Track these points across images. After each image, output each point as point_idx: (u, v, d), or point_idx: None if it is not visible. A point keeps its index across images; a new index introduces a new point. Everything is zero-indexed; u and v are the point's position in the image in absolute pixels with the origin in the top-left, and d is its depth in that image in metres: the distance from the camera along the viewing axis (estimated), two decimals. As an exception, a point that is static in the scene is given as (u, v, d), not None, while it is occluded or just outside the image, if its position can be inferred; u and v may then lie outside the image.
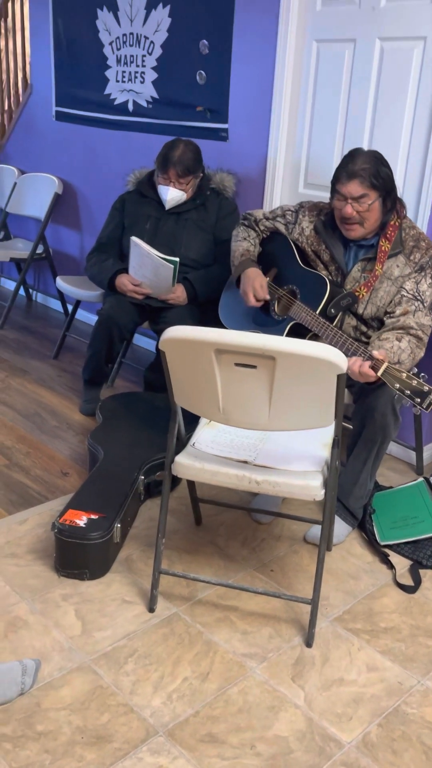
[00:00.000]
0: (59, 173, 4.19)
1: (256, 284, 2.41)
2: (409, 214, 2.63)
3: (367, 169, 2.14)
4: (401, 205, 2.27)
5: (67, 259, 4.36)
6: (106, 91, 3.75)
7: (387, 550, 2.30)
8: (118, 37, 3.59)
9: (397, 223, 2.25)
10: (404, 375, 1.91)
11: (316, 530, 2.33)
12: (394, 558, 2.27)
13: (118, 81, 3.67)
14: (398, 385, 1.91)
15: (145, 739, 1.61)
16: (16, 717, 1.64)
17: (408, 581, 2.18)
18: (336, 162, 2.85)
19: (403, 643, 1.93)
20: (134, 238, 2.84)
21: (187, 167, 2.87)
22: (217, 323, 2.64)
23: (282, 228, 2.49)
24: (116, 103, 3.71)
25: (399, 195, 2.31)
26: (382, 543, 2.32)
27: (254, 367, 1.68)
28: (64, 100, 4.03)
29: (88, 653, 1.84)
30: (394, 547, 2.31)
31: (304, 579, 2.17)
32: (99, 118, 3.83)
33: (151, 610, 2.00)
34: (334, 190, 2.21)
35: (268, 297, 2.42)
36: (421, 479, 2.48)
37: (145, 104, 3.56)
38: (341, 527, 2.34)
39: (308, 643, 1.91)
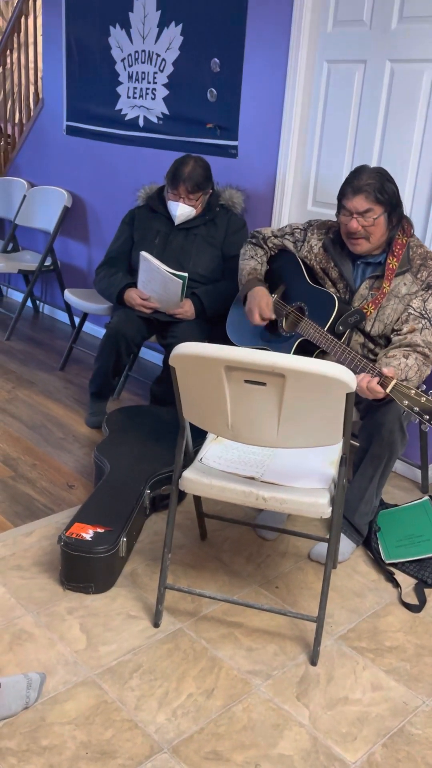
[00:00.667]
0: (69, 187, 4.22)
1: (262, 303, 2.43)
2: (417, 233, 2.64)
3: (372, 184, 2.16)
4: (409, 224, 2.30)
5: (75, 272, 4.39)
6: (117, 107, 3.79)
7: (392, 569, 2.30)
8: (130, 54, 3.63)
9: (404, 241, 2.27)
10: (413, 392, 1.92)
11: (320, 548, 2.33)
12: (399, 576, 2.27)
13: (129, 97, 3.71)
14: (407, 402, 1.92)
15: (150, 755, 1.61)
16: (20, 731, 1.64)
17: (413, 600, 2.18)
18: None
19: (408, 663, 1.93)
20: (143, 253, 2.86)
21: (197, 183, 2.90)
22: (225, 338, 2.66)
23: (290, 246, 2.51)
24: (127, 118, 3.75)
25: (407, 214, 2.33)
26: (388, 561, 2.32)
27: (264, 384, 1.69)
28: (75, 115, 4.07)
29: (92, 668, 1.84)
30: (400, 566, 2.31)
31: (309, 596, 2.17)
32: (109, 133, 3.87)
33: (156, 625, 2.00)
34: (340, 206, 2.24)
35: (273, 317, 2.44)
36: (426, 497, 2.49)
37: (155, 120, 3.59)
38: (346, 544, 2.34)
39: (313, 661, 1.90)
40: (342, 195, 2.23)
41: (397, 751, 1.66)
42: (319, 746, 1.66)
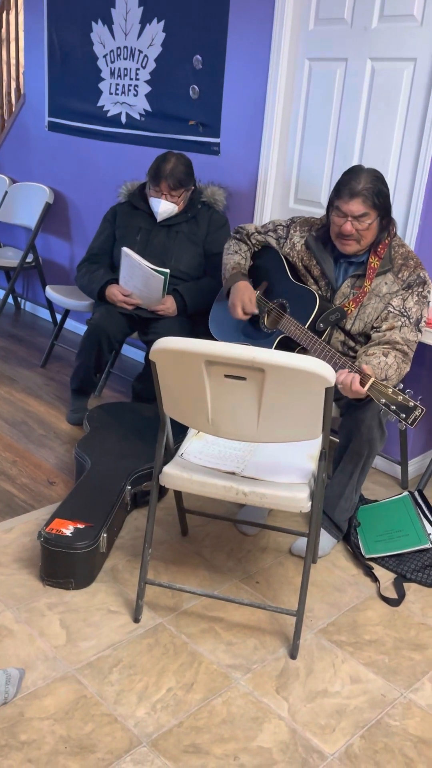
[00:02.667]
0: (51, 183, 4.20)
1: (245, 298, 2.44)
2: (397, 232, 2.66)
3: (370, 188, 2.16)
4: (392, 224, 2.31)
5: (56, 269, 4.37)
6: (99, 103, 3.78)
7: (371, 563, 2.32)
8: (112, 50, 3.62)
9: (387, 241, 2.28)
10: (390, 390, 1.93)
11: (301, 542, 2.35)
12: (379, 571, 2.29)
13: (111, 93, 3.70)
14: (384, 401, 1.94)
15: (129, 749, 1.61)
16: (-1, 726, 1.64)
17: (392, 594, 2.20)
18: (326, 178, 2.90)
19: (387, 656, 1.94)
20: (125, 249, 2.86)
21: (179, 180, 2.90)
22: (207, 335, 2.66)
23: (273, 242, 2.51)
24: (109, 115, 3.74)
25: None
26: (367, 556, 2.33)
27: (244, 379, 1.70)
28: (57, 111, 4.05)
29: (72, 663, 1.84)
30: (379, 560, 2.33)
31: (289, 591, 2.18)
32: (91, 129, 3.86)
33: (137, 620, 2.00)
34: (334, 206, 2.23)
35: (256, 311, 2.45)
36: (405, 493, 2.51)
37: (137, 117, 3.59)
38: (326, 540, 2.35)
39: (292, 655, 1.91)
40: (337, 196, 2.20)
41: (375, 742, 1.68)
42: (298, 738, 1.67)
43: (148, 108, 3.52)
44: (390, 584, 2.24)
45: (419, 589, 2.23)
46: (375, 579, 2.25)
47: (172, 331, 2.85)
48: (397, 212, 2.70)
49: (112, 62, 3.64)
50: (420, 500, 2.46)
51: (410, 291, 2.25)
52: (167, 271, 2.82)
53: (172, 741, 1.64)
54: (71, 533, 2.10)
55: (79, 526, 2.14)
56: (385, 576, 2.27)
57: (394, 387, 1.96)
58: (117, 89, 3.65)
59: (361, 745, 1.67)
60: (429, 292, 2.29)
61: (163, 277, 2.80)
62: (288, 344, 2.38)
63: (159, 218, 2.98)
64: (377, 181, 2.18)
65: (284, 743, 1.65)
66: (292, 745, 1.65)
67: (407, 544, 2.32)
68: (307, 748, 1.65)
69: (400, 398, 1.91)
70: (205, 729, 1.68)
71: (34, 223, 4.15)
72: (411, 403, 1.89)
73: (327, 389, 1.67)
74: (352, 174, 2.19)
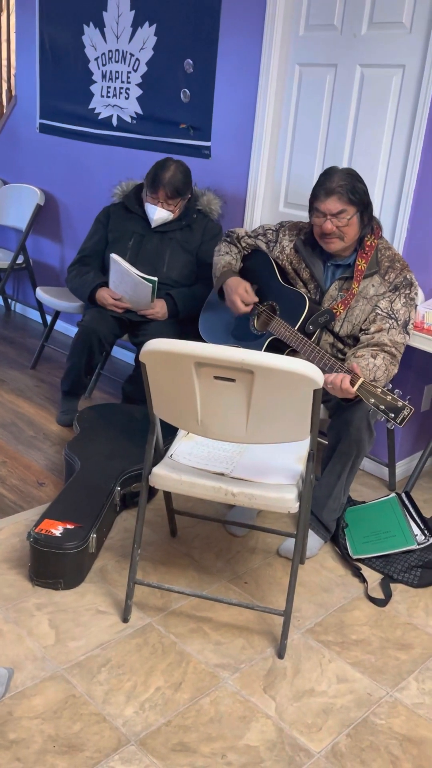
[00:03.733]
0: (41, 185, 4.21)
1: (240, 290, 2.46)
2: (385, 236, 2.69)
3: (344, 185, 2.20)
4: (378, 226, 2.34)
5: (47, 270, 4.37)
6: (91, 106, 3.79)
7: (359, 564, 2.34)
8: (104, 53, 3.63)
9: (373, 243, 2.31)
10: (379, 390, 1.96)
11: (289, 544, 2.36)
12: (366, 572, 2.31)
13: (102, 96, 3.71)
14: (373, 400, 1.96)
15: (117, 748, 1.62)
16: (-13, 725, 1.64)
17: (379, 595, 2.22)
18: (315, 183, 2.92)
19: (373, 656, 1.96)
20: (114, 256, 2.86)
21: (177, 189, 2.90)
22: (197, 337, 2.68)
23: (263, 246, 2.54)
24: (100, 117, 3.75)
25: (376, 216, 2.38)
26: (355, 557, 2.36)
27: (233, 380, 1.71)
28: (48, 113, 4.06)
29: (61, 662, 1.84)
30: (366, 561, 2.35)
31: (277, 591, 2.20)
32: (83, 131, 3.87)
33: (125, 620, 2.01)
34: (312, 208, 2.27)
35: (256, 299, 2.46)
36: (393, 495, 2.53)
37: (129, 119, 3.60)
38: (314, 540, 2.37)
39: (280, 655, 1.93)
40: (314, 197, 2.26)
41: (361, 740, 1.69)
42: (285, 737, 1.68)
43: (140, 111, 3.53)
44: (377, 585, 2.26)
45: (406, 589, 2.25)
46: (362, 579, 2.27)
47: (163, 334, 2.87)
48: (385, 217, 2.73)
49: (103, 65, 3.65)
50: (407, 502, 2.49)
51: (397, 293, 2.28)
52: (155, 279, 2.82)
53: (160, 740, 1.65)
54: (60, 534, 2.10)
55: (69, 526, 2.15)
56: (372, 576, 2.29)
57: (383, 387, 1.98)
58: (108, 92, 3.67)
59: (347, 743, 1.68)
60: (416, 294, 2.32)
61: (151, 285, 2.81)
62: (278, 346, 2.40)
63: (153, 224, 2.99)
64: (351, 177, 2.22)
65: (271, 742, 1.67)
66: (279, 744, 1.66)
67: (394, 545, 2.34)
68: (293, 746, 1.66)
69: (389, 398, 1.94)
70: (193, 728, 1.69)
71: (25, 224, 4.15)
72: (400, 403, 1.92)
73: (315, 391, 1.69)
74: (327, 175, 2.26)
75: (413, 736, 1.71)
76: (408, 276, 2.29)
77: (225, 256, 2.58)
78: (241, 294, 2.45)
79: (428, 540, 2.32)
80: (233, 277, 2.50)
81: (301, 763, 1.62)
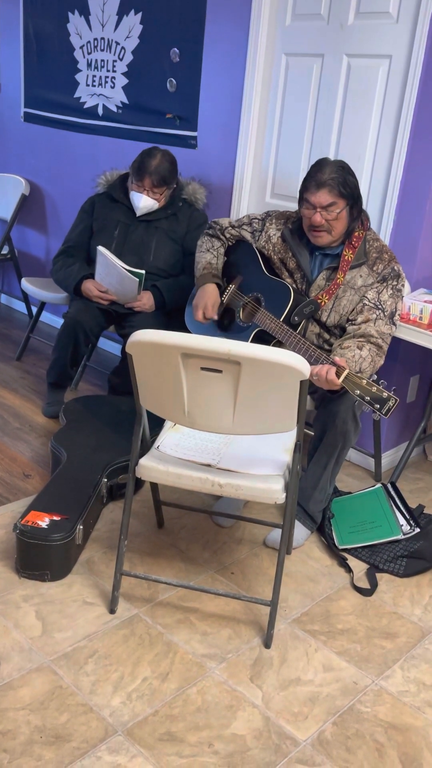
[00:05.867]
0: (26, 175, 4.17)
1: (209, 302, 2.47)
2: (373, 226, 2.70)
3: (335, 178, 2.19)
4: (366, 217, 2.34)
5: (32, 261, 4.34)
6: (76, 95, 3.76)
7: (345, 554, 2.35)
8: (89, 41, 3.60)
9: (361, 234, 2.31)
10: (364, 382, 1.96)
11: (276, 534, 2.37)
12: (352, 562, 2.33)
13: (88, 85, 3.68)
14: (359, 392, 1.97)
15: (104, 738, 1.62)
16: (-26, 717, 1.64)
17: (365, 584, 2.23)
18: (303, 174, 2.92)
19: (359, 644, 1.98)
20: (101, 248, 2.84)
21: (163, 178, 2.89)
22: (183, 329, 2.67)
23: (248, 236, 2.53)
24: (86, 106, 3.72)
25: (363, 207, 2.38)
26: (341, 547, 2.37)
27: (220, 371, 1.71)
28: (32, 102, 4.02)
29: (48, 654, 1.84)
30: (352, 551, 2.36)
31: (264, 581, 2.20)
32: (68, 121, 3.84)
33: (112, 611, 2.01)
34: (302, 199, 2.26)
35: (215, 317, 2.49)
36: (378, 485, 2.55)
37: (114, 109, 3.57)
38: (301, 531, 2.38)
39: (267, 644, 1.94)
40: (305, 189, 2.25)
41: (347, 728, 1.71)
42: (271, 725, 1.69)
43: (125, 100, 3.51)
44: (363, 575, 2.28)
45: (391, 579, 2.27)
46: (348, 569, 2.28)
47: (149, 325, 2.86)
48: (372, 207, 2.73)
49: (89, 53, 3.62)
50: (393, 492, 2.50)
51: (385, 284, 2.28)
52: (142, 272, 2.81)
53: (148, 729, 1.65)
54: (47, 525, 2.10)
55: (55, 518, 2.14)
56: (358, 566, 2.31)
57: (368, 378, 1.99)
58: (94, 81, 3.64)
59: (333, 731, 1.70)
60: (403, 285, 2.32)
61: (137, 279, 2.80)
62: (264, 337, 2.40)
63: (139, 213, 2.97)
64: (342, 170, 2.22)
65: (258, 730, 1.68)
66: (266, 732, 1.67)
67: (380, 535, 2.36)
68: (280, 734, 1.67)
69: (374, 389, 1.94)
70: (180, 717, 1.69)
71: (10, 214, 4.12)
72: (385, 394, 1.93)
73: (302, 382, 1.69)
74: (318, 166, 2.24)
75: (398, 724, 1.73)
76: (396, 267, 2.30)
77: (206, 254, 2.57)
78: (207, 306, 2.48)
79: (414, 530, 2.34)
80: (211, 286, 2.52)
81: (287, 751, 1.63)
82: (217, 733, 1.66)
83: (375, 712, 1.76)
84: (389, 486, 2.54)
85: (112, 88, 3.55)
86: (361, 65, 2.67)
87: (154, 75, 3.34)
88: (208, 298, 2.48)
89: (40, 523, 2.10)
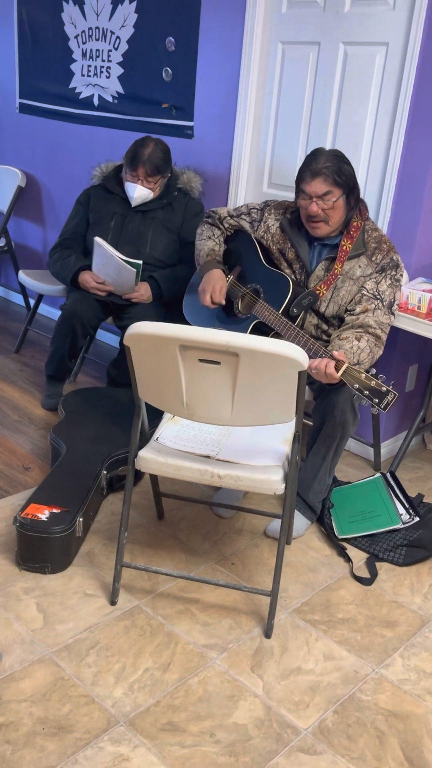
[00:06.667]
0: (22, 166, 4.15)
1: (216, 287, 2.44)
2: (370, 215, 2.69)
3: (330, 167, 2.19)
4: (364, 207, 2.33)
5: (29, 253, 4.33)
6: (71, 85, 3.73)
7: (345, 544, 2.36)
8: (83, 31, 3.57)
9: (360, 224, 2.30)
10: (363, 376, 1.96)
11: (276, 524, 2.38)
12: (352, 551, 2.33)
13: (83, 75, 3.65)
14: (357, 386, 1.96)
15: (106, 728, 1.63)
16: (-24, 709, 1.65)
17: (364, 574, 2.24)
18: (299, 162, 2.90)
19: (359, 633, 1.99)
20: (97, 239, 2.83)
21: (157, 167, 2.88)
22: (181, 320, 2.67)
23: (247, 226, 2.52)
24: (81, 97, 3.70)
25: (361, 196, 2.37)
26: (340, 537, 2.37)
27: (218, 363, 1.71)
28: (28, 93, 3.99)
29: (49, 646, 1.85)
30: (352, 541, 2.37)
31: (264, 572, 2.21)
32: (63, 111, 3.81)
33: (113, 602, 2.02)
34: (298, 190, 2.26)
35: (223, 302, 2.46)
36: (378, 475, 2.55)
37: (110, 99, 3.55)
38: (300, 521, 2.38)
39: (267, 634, 1.95)
40: (300, 179, 2.24)
41: (348, 716, 1.72)
42: (273, 715, 1.70)
43: (121, 90, 3.49)
44: (362, 564, 2.28)
45: (391, 568, 2.27)
46: (348, 559, 2.29)
47: (147, 316, 2.85)
48: (369, 196, 2.72)
49: (83, 43, 3.59)
50: (392, 482, 2.51)
51: (384, 274, 2.28)
52: (140, 262, 2.80)
53: (149, 720, 1.66)
54: (47, 518, 2.10)
55: (55, 510, 2.14)
56: (358, 556, 2.32)
57: (367, 372, 1.99)
58: (89, 71, 3.61)
59: (334, 719, 1.71)
60: (402, 275, 2.32)
61: (135, 269, 2.79)
62: (262, 329, 2.40)
63: (134, 203, 2.97)
64: (337, 159, 2.21)
65: (259, 719, 1.69)
66: (267, 721, 1.68)
67: (379, 524, 2.36)
68: (281, 723, 1.68)
69: (373, 383, 1.94)
70: (182, 707, 1.70)
71: (6, 206, 4.10)
72: (384, 388, 1.92)
73: (300, 373, 1.69)
74: (312, 156, 2.24)
75: (399, 712, 1.74)
76: (394, 257, 2.29)
77: (208, 242, 2.56)
78: (214, 291, 2.44)
79: (413, 519, 2.34)
80: (217, 270, 2.48)
81: (288, 740, 1.64)
82: (219, 723, 1.67)
83: (376, 701, 1.77)
84: (388, 475, 2.54)
85: (108, 78, 3.53)
86: (357, 53, 2.65)
87: (149, 64, 3.32)
88: (215, 283, 2.45)
89: (40, 515, 2.11)
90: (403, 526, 2.34)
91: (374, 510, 2.42)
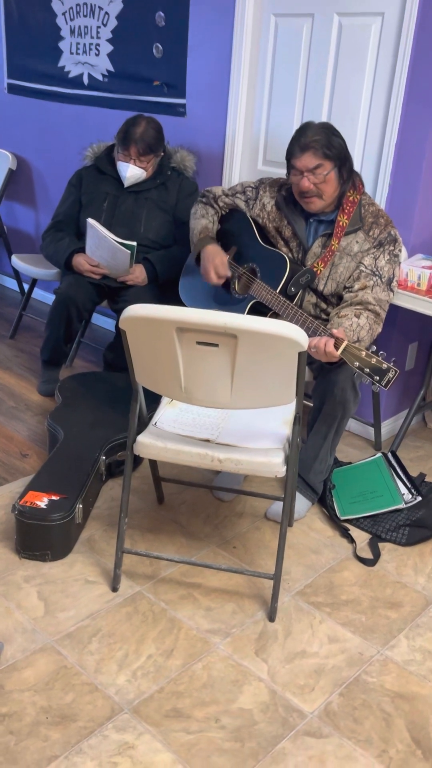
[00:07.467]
0: (13, 148, 4.08)
1: (216, 261, 2.40)
2: (367, 190, 2.64)
3: (318, 140, 2.14)
4: (360, 181, 2.29)
5: (22, 237, 4.27)
6: (60, 64, 3.65)
7: (347, 525, 2.34)
8: (71, 7, 3.49)
9: (356, 199, 2.26)
10: (363, 353, 1.93)
11: (277, 507, 2.36)
12: (354, 532, 2.31)
13: (72, 53, 3.57)
14: (358, 363, 1.93)
15: (110, 716, 1.62)
16: (-21, 700, 1.63)
17: (367, 554, 2.22)
18: (295, 139, 2.85)
19: (363, 615, 1.97)
20: (90, 220, 2.78)
21: (149, 145, 2.82)
22: (177, 303, 2.63)
23: (242, 204, 2.47)
24: (71, 76, 3.62)
25: (357, 170, 2.32)
26: (342, 518, 2.35)
27: (216, 345, 1.68)
28: (16, 72, 3.91)
29: (51, 634, 1.83)
30: (354, 522, 2.35)
31: (266, 555, 2.19)
32: (53, 91, 3.74)
33: (115, 589, 2.00)
34: (289, 166, 2.21)
35: (229, 273, 2.41)
36: (379, 455, 2.53)
37: (100, 77, 3.48)
38: (302, 503, 2.36)
39: (271, 618, 1.93)
40: (290, 155, 2.20)
41: (354, 699, 1.71)
42: (278, 699, 1.69)
43: (111, 68, 3.41)
44: (365, 545, 2.27)
45: (394, 548, 2.26)
46: (351, 540, 2.27)
47: (142, 299, 2.81)
48: (366, 170, 2.67)
49: (71, 20, 3.51)
50: (393, 461, 2.48)
51: (381, 249, 2.24)
52: (134, 244, 2.75)
53: (154, 706, 1.65)
54: (46, 505, 2.08)
55: (54, 497, 2.12)
56: (361, 537, 2.30)
57: (368, 350, 1.95)
58: (78, 49, 3.53)
59: (340, 702, 1.70)
60: (400, 250, 2.28)
61: (129, 251, 2.74)
62: (260, 309, 2.36)
63: (126, 183, 2.91)
64: (326, 131, 2.17)
65: (264, 704, 1.67)
66: (273, 706, 1.67)
67: (381, 504, 2.34)
68: (287, 707, 1.67)
69: (373, 360, 1.91)
70: (186, 693, 1.69)
71: (-3, 190, 4.03)
72: (384, 365, 1.89)
73: (300, 354, 1.66)
74: (301, 130, 2.20)
75: (405, 693, 1.73)
76: (392, 232, 2.25)
77: (201, 220, 2.51)
78: (217, 265, 2.39)
79: (415, 499, 2.32)
80: (212, 245, 2.43)
81: (294, 724, 1.63)
82: (224, 708, 1.66)
83: (381, 682, 1.76)
84: (390, 455, 2.52)
85: (97, 55, 3.45)
86: (352, 24, 2.59)
87: (139, 41, 3.24)
88: (214, 257, 2.40)
89: (38, 503, 2.08)
90: (405, 505, 2.32)
91: (376, 490, 2.40)
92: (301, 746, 1.58)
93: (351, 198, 2.25)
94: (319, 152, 2.15)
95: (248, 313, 2.37)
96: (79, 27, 3.48)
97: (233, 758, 1.54)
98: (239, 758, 1.54)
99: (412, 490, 2.35)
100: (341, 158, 2.19)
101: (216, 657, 1.80)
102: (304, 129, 2.18)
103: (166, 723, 1.61)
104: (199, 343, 1.68)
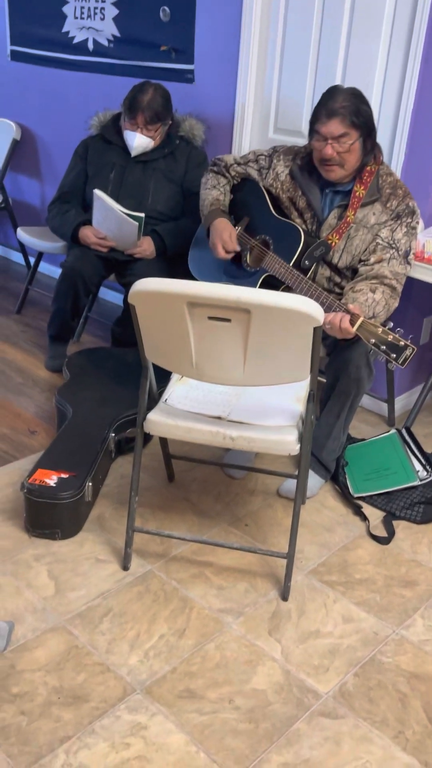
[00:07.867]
0: (17, 118, 3.99)
1: (224, 235, 2.33)
2: (384, 160, 2.55)
3: (347, 107, 2.05)
4: (379, 151, 2.20)
5: (27, 209, 4.19)
6: (64, 29, 3.55)
7: (360, 502, 2.30)
8: (75, -30, 3.38)
9: (373, 169, 2.18)
10: (380, 330, 1.87)
11: (290, 484, 2.32)
12: (368, 510, 2.28)
13: (76, 17, 3.47)
14: (374, 340, 1.88)
15: (123, 697, 1.60)
16: (-10, 680, 1.62)
17: (381, 532, 2.19)
18: (307, 106, 2.77)
19: (378, 594, 1.95)
20: (97, 192, 2.71)
21: (157, 113, 2.74)
22: (186, 276, 2.56)
23: (255, 174, 2.40)
24: (75, 41, 3.52)
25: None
26: (356, 495, 2.32)
27: (228, 320, 1.62)
28: (19, 39, 3.80)
29: (62, 613, 1.81)
30: (368, 499, 2.31)
31: (279, 533, 2.16)
32: (57, 58, 3.64)
33: (125, 568, 1.97)
34: (312, 131, 2.12)
35: (238, 248, 2.35)
36: (393, 431, 2.48)
37: (106, 43, 3.38)
38: (314, 480, 2.33)
39: (284, 597, 1.91)
40: (315, 119, 2.10)
41: (369, 679, 1.68)
42: (292, 679, 1.67)
43: (117, 33, 3.31)
44: (379, 522, 2.23)
45: (408, 526, 2.22)
46: (364, 518, 2.24)
47: (151, 273, 2.75)
48: (382, 139, 2.58)
49: (75, -17, 3.40)
50: (407, 437, 2.44)
51: (399, 221, 2.16)
52: (142, 215, 2.69)
53: (166, 687, 1.63)
54: (55, 483, 2.05)
55: (63, 475, 2.09)
56: (374, 514, 2.26)
57: (384, 326, 1.89)
58: (82, 12, 3.43)
59: (355, 682, 1.67)
60: (418, 223, 2.20)
61: (137, 222, 2.67)
62: (272, 283, 2.30)
63: (133, 153, 2.83)
64: (355, 98, 2.07)
65: (278, 684, 1.65)
66: (287, 686, 1.65)
67: (396, 481, 2.30)
68: (301, 688, 1.65)
69: (390, 337, 1.85)
70: (199, 674, 1.67)
71: (2, 161, 3.95)
72: (401, 343, 1.84)
73: (315, 329, 1.61)
74: (329, 94, 2.09)
75: (420, 673, 1.71)
76: (410, 204, 2.18)
77: (212, 191, 2.44)
78: (225, 240, 2.32)
79: (430, 476, 2.28)
80: (221, 219, 2.36)
81: (309, 705, 1.61)
82: (237, 689, 1.64)
83: (397, 662, 1.73)
84: (404, 431, 2.47)
85: (102, 20, 3.35)
86: (368, -17, 2.48)
87: (145, 4, 3.13)
88: (223, 231, 2.33)
89: (47, 481, 2.05)
90: (420, 482, 2.28)
91: (390, 467, 2.36)
92: (316, 727, 1.56)
93: (369, 168, 2.17)
94: (347, 120, 2.05)
95: (260, 286, 2.31)
96: (84, -10, 3.37)
97: (247, 739, 1.52)
98: (253, 739, 1.52)
99: (427, 467, 2.31)
100: (368, 128, 2.10)
101: (229, 637, 1.78)
102: (332, 93, 2.08)
103: (179, 704, 1.59)
104: (210, 318, 1.63)
